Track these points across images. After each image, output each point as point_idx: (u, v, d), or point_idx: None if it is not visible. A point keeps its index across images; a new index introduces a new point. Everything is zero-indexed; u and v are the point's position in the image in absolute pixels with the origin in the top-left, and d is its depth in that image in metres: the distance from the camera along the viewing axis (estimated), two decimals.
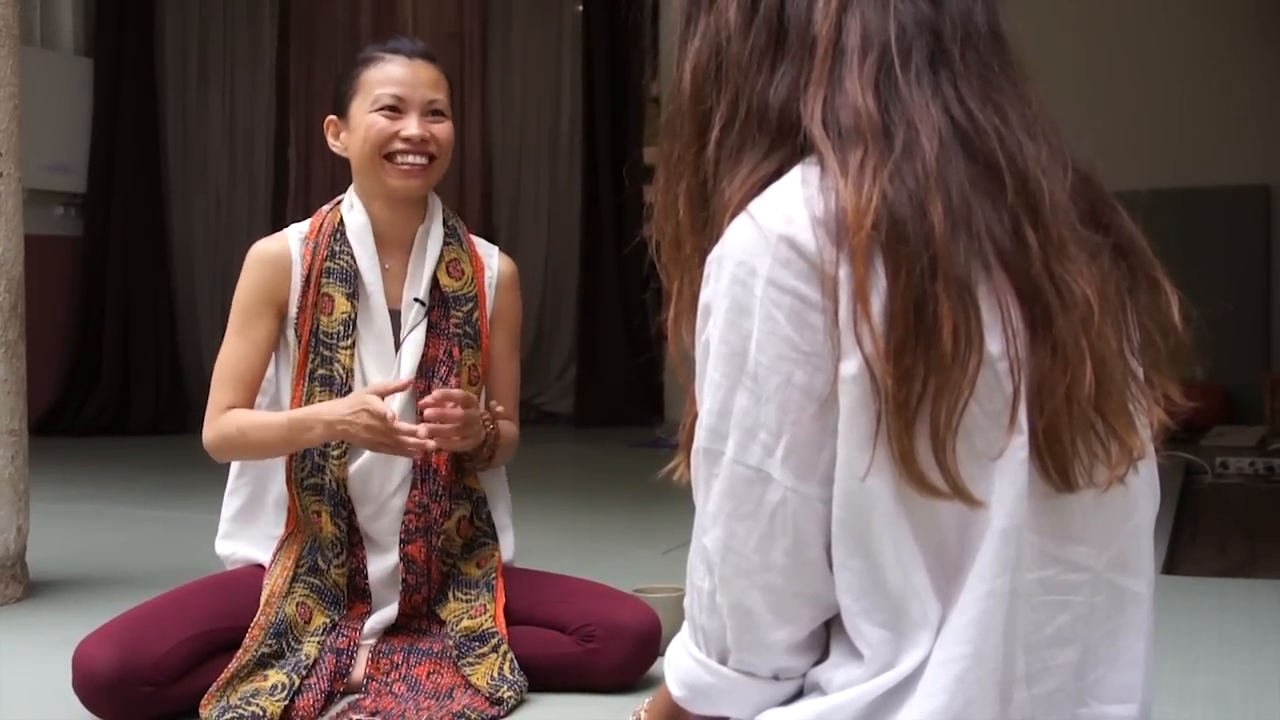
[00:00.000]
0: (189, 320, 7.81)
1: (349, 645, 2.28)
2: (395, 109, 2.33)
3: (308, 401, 2.31)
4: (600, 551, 3.56)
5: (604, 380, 7.21)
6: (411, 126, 2.32)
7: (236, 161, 8.02)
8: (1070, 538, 1.06)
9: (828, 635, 1.10)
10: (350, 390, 2.30)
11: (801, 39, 1.08)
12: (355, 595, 2.34)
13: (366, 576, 2.34)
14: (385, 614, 2.33)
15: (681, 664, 1.12)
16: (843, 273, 0.99)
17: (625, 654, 2.27)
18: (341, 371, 2.30)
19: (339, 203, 2.42)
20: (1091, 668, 1.09)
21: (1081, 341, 1.02)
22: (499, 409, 2.39)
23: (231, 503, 2.43)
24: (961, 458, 1.00)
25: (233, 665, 2.15)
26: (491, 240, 2.57)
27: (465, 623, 2.29)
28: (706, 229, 1.09)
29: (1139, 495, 1.10)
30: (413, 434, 2.20)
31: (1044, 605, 1.05)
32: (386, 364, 2.34)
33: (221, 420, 2.32)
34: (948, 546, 1.02)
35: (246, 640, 2.19)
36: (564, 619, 2.31)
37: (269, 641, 2.20)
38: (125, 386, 7.26)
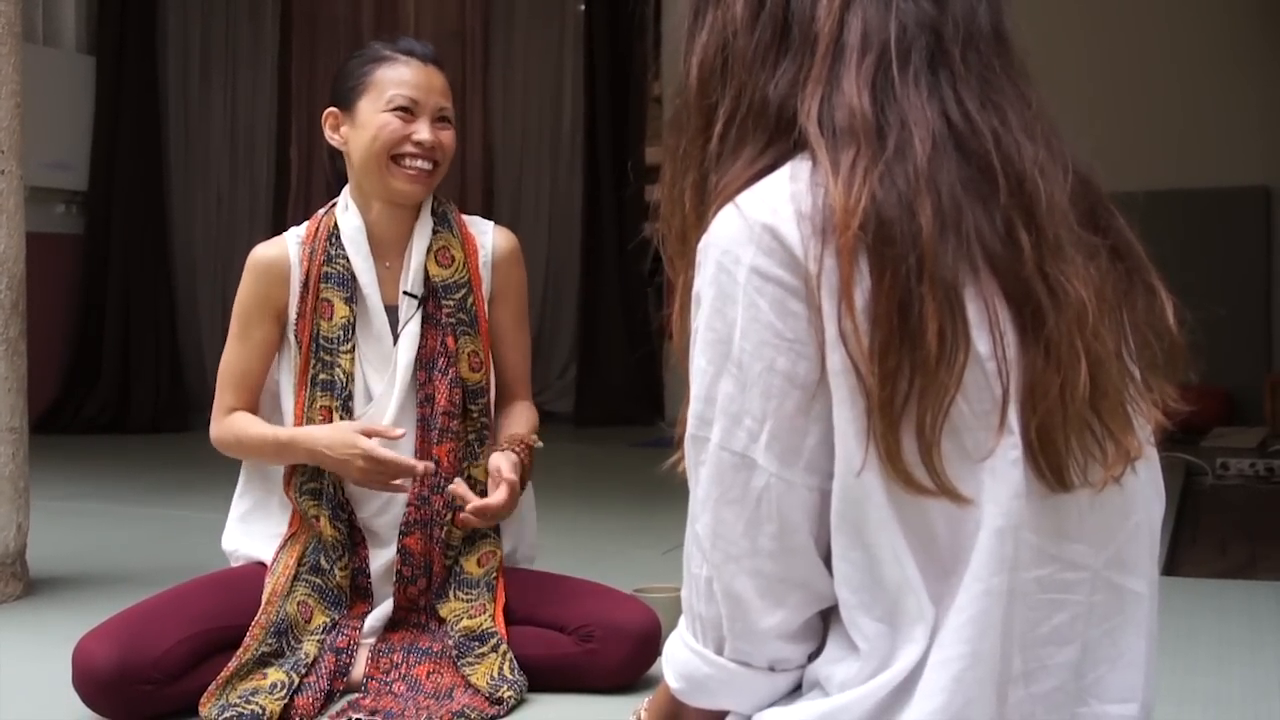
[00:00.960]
0: (189, 319, 7.81)
1: (349, 644, 2.28)
2: (409, 111, 2.33)
3: (310, 406, 2.32)
4: (600, 551, 3.56)
5: (604, 380, 7.21)
6: (423, 131, 2.32)
7: (238, 160, 8.01)
8: (1067, 536, 1.06)
9: (824, 627, 1.10)
10: (350, 395, 2.31)
11: (805, 35, 1.08)
12: (355, 593, 2.34)
13: (369, 575, 2.34)
14: (383, 609, 2.33)
15: (679, 656, 1.12)
16: (826, 268, 1.00)
17: (625, 654, 2.27)
18: (342, 376, 2.31)
19: (334, 205, 2.41)
20: (1091, 667, 1.09)
21: (1076, 342, 1.02)
22: (534, 441, 2.39)
23: (240, 505, 2.44)
24: (949, 457, 1.00)
25: (233, 663, 2.15)
26: None
27: (465, 622, 2.29)
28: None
29: (1137, 495, 1.10)
30: (410, 469, 2.24)
31: (1041, 604, 1.05)
32: (385, 361, 2.35)
33: (225, 423, 2.37)
34: (938, 545, 1.03)
35: (247, 639, 2.19)
36: (564, 619, 2.31)
37: (269, 640, 2.20)
38: (126, 385, 7.25)
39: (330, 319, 2.32)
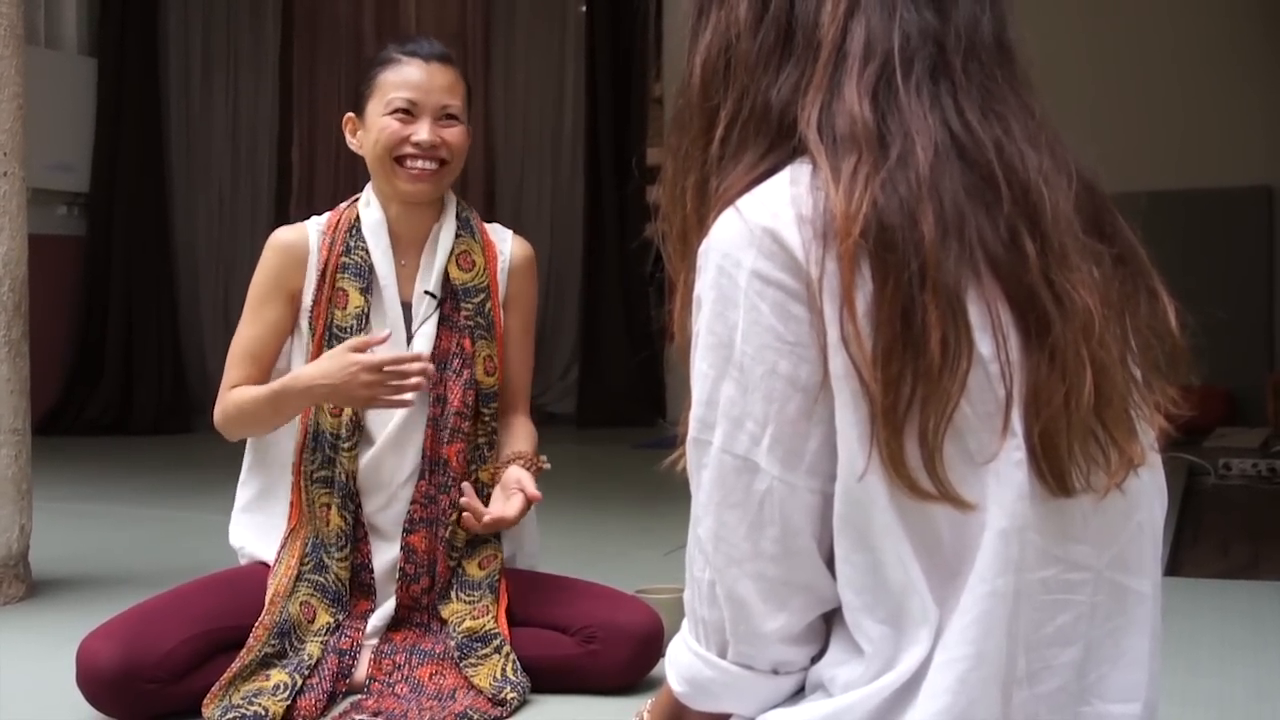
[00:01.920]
0: (191, 320, 7.82)
1: (352, 646, 2.28)
2: (408, 112, 2.34)
3: None
4: (602, 553, 3.56)
5: (606, 381, 7.21)
6: (422, 132, 2.33)
7: (239, 162, 8.02)
8: (1070, 537, 1.06)
9: (827, 630, 1.10)
10: None
11: (808, 41, 1.08)
12: (359, 591, 2.35)
13: (372, 572, 2.35)
14: (386, 608, 2.34)
15: (682, 659, 1.12)
16: (826, 273, 1.00)
17: (627, 655, 2.28)
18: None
19: (356, 199, 2.43)
20: (1094, 667, 1.09)
21: (1082, 350, 1.02)
22: (544, 463, 2.40)
23: (243, 493, 2.44)
24: (952, 460, 1.00)
25: (236, 664, 2.15)
26: None
27: (467, 624, 2.29)
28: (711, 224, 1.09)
29: (1140, 495, 1.10)
30: (415, 357, 2.22)
31: (1045, 605, 1.05)
32: None
33: (227, 399, 2.35)
34: (942, 547, 1.03)
35: (250, 640, 2.19)
36: (566, 620, 2.32)
37: (273, 641, 2.21)
38: (128, 386, 7.26)
39: (345, 308, 2.34)
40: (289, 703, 2.14)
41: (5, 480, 3.06)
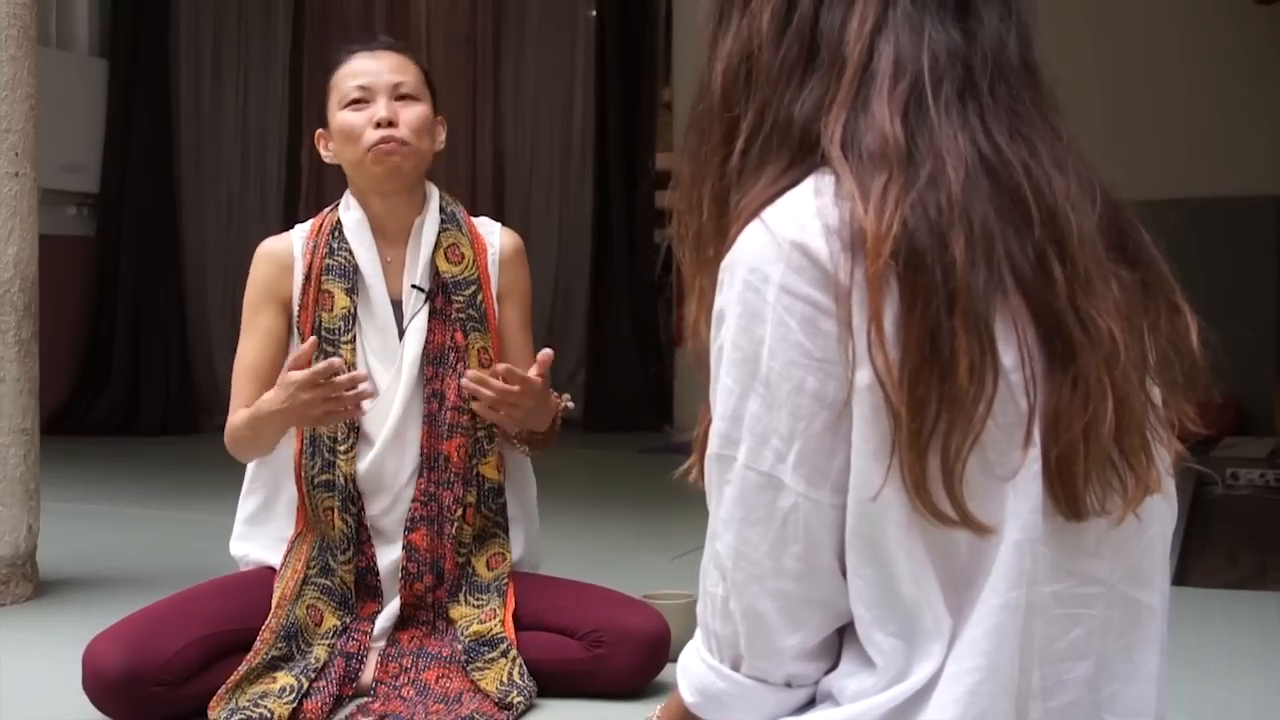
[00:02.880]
0: (200, 321, 7.82)
1: (359, 649, 2.28)
2: (363, 100, 2.34)
3: None
4: (609, 557, 3.56)
5: (614, 385, 7.21)
6: (380, 110, 2.33)
7: (249, 163, 8.03)
8: (1085, 552, 1.06)
9: (840, 643, 1.10)
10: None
11: (833, 57, 1.06)
12: (365, 594, 2.35)
13: (378, 574, 2.35)
14: (391, 609, 2.34)
15: (695, 670, 1.12)
16: (855, 284, 0.99)
17: (634, 660, 2.27)
18: (344, 367, 2.31)
19: (337, 205, 2.44)
20: (1106, 681, 1.08)
21: (1104, 379, 1.01)
22: (567, 401, 2.39)
23: (246, 505, 2.44)
24: (974, 476, 0.99)
25: (242, 667, 2.15)
26: None
27: (475, 627, 2.29)
28: (728, 234, 1.08)
29: (1153, 511, 1.10)
30: (348, 370, 2.19)
31: (1058, 619, 1.05)
32: (390, 355, 2.36)
33: (230, 422, 2.35)
34: (959, 559, 1.02)
35: (257, 643, 2.19)
36: (573, 624, 2.32)
37: (279, 644, 2.21)
38: (135, 387, 7.27)
39: (331, 310, 2.34)
40: (295, 705, 2.14)
41: (13, 480, 3.07)
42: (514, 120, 7.84)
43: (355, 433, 2.33)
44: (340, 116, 2.36)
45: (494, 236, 2.48)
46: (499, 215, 7.69)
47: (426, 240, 2.39)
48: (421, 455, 2.35)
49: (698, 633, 1.13)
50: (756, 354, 1.02)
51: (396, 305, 2.38)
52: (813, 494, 1.03)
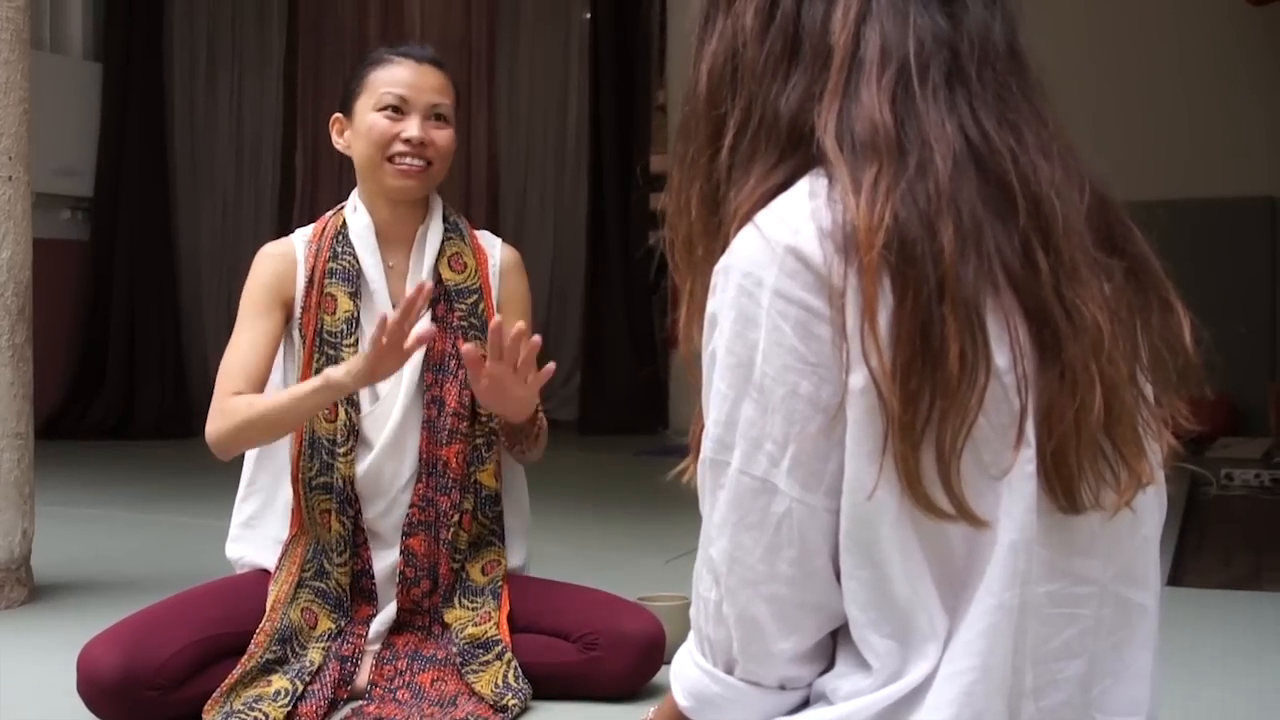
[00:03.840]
0: (194, 325, 7.82)
1: (354, 652, 2.28)
2: (398, 110, 2.34)
3: None
4: (604, 559, 3.56)
5: (609, 388, 7.21)
6: (412, 128, 2.33)
7: (243, 167, 8.03)
8: (1078, 551, 1.06)
9: (834, 645, 1.10)
10: (355, 390, 2.32)
11: (816, 48, 1.07)
12: (360, 597, 2.35)
13: (373, 577, 2.35)
14: (387, 613, 2.34)
15: (688, 674, 1.12)
16: (850, 286, 0.99)
17: (629, 662, 2.27)
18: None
19: (342, 207, 2.44)
20: (1097, 680, 1.08)
21: (1091, 367, 1.01)
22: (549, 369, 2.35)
23: (243, 509, 2.44)
24: (968, 474, 0.99)
25: (237, 671, 2.15)
26: None
27: (470, 630, 2.29)
28: (719, 234, 1.08)
29: (1146, 509, 1.10)
30: (409, 298, 2.13)
31: (1052, 618, 1.05)
32: None
33: (224, 409, 2.27)
34: (955, 559, 1.02)
35: (252, 646, 2.19)
36: (568, 627, 2.32)
37: (274, 647, 2.20)
38: (130, 390, 7.27)
39: (334, 313, 2.34)
40: (290, 709, 2.14)
41: (8, 484, 3.07)
42: (509, 123, 7.85)
43: (354, 436, 2.33)
44: (371, 118, 2.35)
45: (495, 249, 2.49)
46: (494, 217, 7.77)
47: (431, 248, 2.40)
48: (420, 461, 2.35)
49: (691, 636, 1.13)
50: (750, 359, 1.02)
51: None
52: (807, 498, 1.02)
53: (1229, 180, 6.25)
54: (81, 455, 6.16)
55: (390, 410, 2.34)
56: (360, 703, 2.23)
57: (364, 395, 2.35)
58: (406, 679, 2.26)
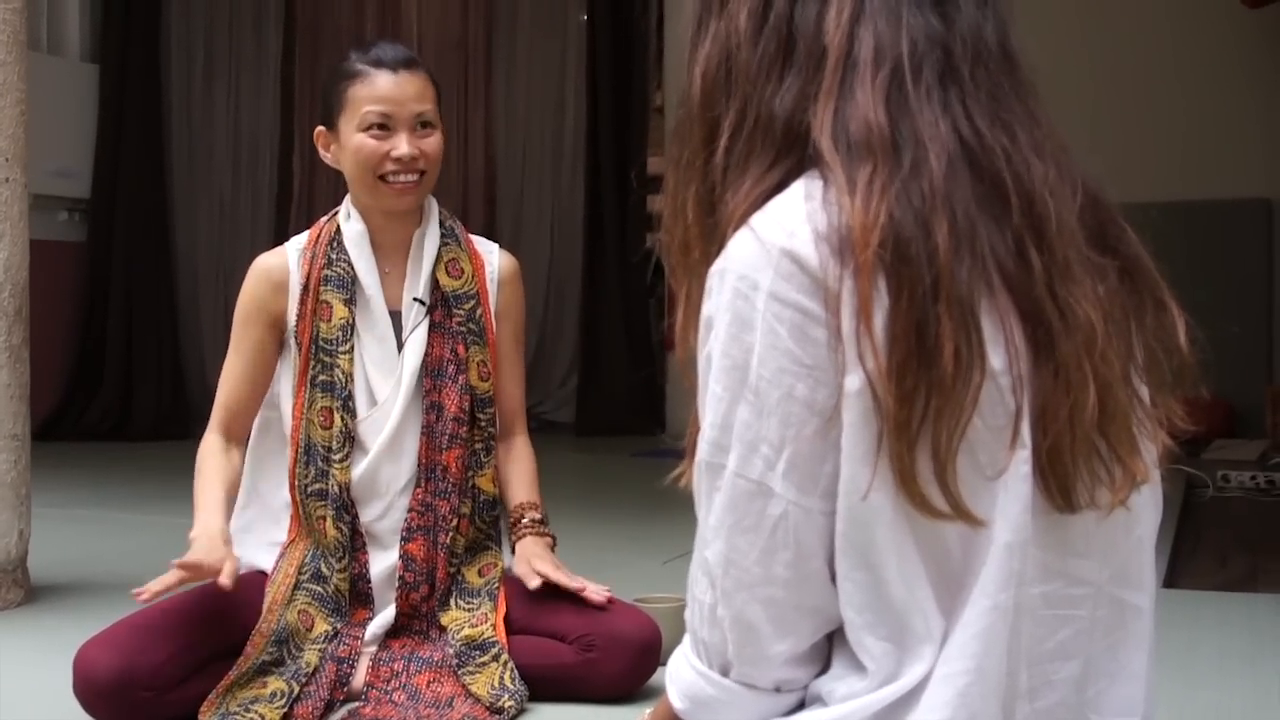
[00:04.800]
0: (191, 326, 7.82)
1: (350, 653, 2.28)
2: (384, 126, 2.33)
3: (310, 407, 2.34)
4: (601, 561, 3.56)
5: (605, 389, 7.21)
6: (401, 146, 2.32)
7: (240, 168, 8.03)
8: (1073, 552, 1.06)
9: (829, 647, 1.10)
10: (350, 396, 2.34)
11: (810, 49, 1.07)
12: (357, 600, 2.35)
13: (369, 580, 2.35)
14: (385, 616, 2.34)
15: (683, 676, 1.12)
16: (845, 288, 0.99)
17: (625, 664, 2.27)
18: (341, 376, 2.32)
19: (336, 213, 2.44)
20: (1092, 681, 1.08)
21: (1085, 365, 1.01)
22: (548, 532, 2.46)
23: (243, 516, 2.44)
24: (964, 475, 1.00)
25: (233, 672, 2.15)
26: None
27: (466, 631, 2.29)
28: (714, 236, 1.08)
29: (1141, 509, 1.10)
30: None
31: (1047, 619, 1.05)
32: (389, 366, 2.36)
33: (203, 446, 2.38)
34: (951, 561, 1.02)
35: (248, 648, 2.19)
36: (564, 629, 2.31)
37: (270, 649, 2.20)
38: (127, 392, 7.26)
39: (329, 320, 2.34)
40: (286, 710, 2.14)
41: (4, 485, 3.06)
42: (506, 125, 7.84)
43: (350, 442, 2.33)
44: (357, 139, 2.33)
45: (492, 256, 2.50)
46: (491, 220, 7.78)
47: (428, 254, 2.40)
48: (419, 466, 2.36)
49: (686, 638, 1.13)
50: (746, 361, 1.02)
51: (394, 316, 2.39)
52: (803, 501, 1.03)
53: (1224, 182, 6.26)
54: (78, 456, 6.15)
55: (388, 415, 2.35)
56: (356, 704, 2.23)
57: (361, 400, 2.35)
58: (403, 680, 2.26)
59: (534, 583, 2.29)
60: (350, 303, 2.36)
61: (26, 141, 3.17)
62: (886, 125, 1.02)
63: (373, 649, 2.31)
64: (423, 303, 2.39)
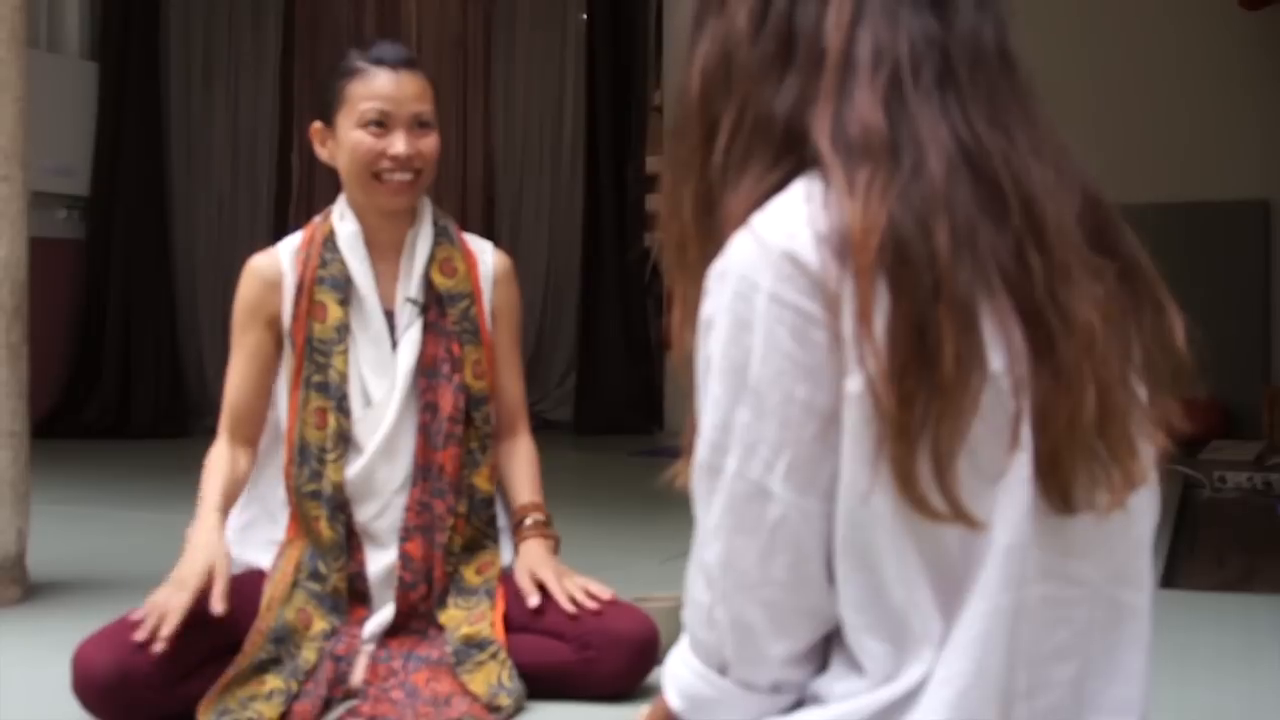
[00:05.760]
0: (190, 324, 7.81)
1: (348, 651, 2.28)
2: (381, 124, 2.34)
3: (304, 407, 2.34)
4: (599, 560, 3.55)
5: (604, 388, 7.21)
6: (398, 144, 2.33)
7: (239, 166, 8.02)
8: (1072, 553, 1.06)
9: (827, 647, 1.10)
10: (345, 396, 2.35)
11: (809, 50, 1.07)
12: (355, 599, 2.35)
13: (367, 579, 2.35)
14: (383, 615, 2.34)
15: (681, 676, 1.12)
16: (846, 290, 0.99)
17: (623, 663, 2.28)
18: (336, 376, 2.33)
19: (329, 213, 2.44)
20: (1090, 681, 1.09)
21: (1084, 366, 1.01)
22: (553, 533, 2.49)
23: (241, 516, 2.44)
24: (964, 477, 0.99)
25: (231, 670, 2.15)
26: None
27: (464, 630, 2.29)
28: (712, 236, 1.08)
29: (1140, 509, 1.10)
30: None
31: (1045, 620, 1.05)
32: (384, 366, 2.36)
33: (212, 454, 2.39)
34: (951, 562, 1.02)
35: (246, 646, 2.19)
36: (562, 627, 2.32)
37: (268, 647, 2.21)
38: (126, 389, 7.26)
39: (324, 320, 2.34)
40: (284, 708, 2.14)
41: (3, 483, 3.07)
42: (504, 123, 7.85)
43: (344, 442, 2.33)
44: (354, 135, 2.33)
45: (486, 255, 2.50)
46: (489, 219, 7.78)
47: (421, 253, 2.40)
48: (415, 465, 2.36)
49: (683, 638, 1.13)
50: (745, 363, 1.02)
51: (389, 316, 2.39)
52: (802, 503, 1.02)
53: (1223, 184, 6.27)
54: (77, 454, 6.15)
55: (384, 415, 2.35)
56: (355, 702, 2.23)
57: (356, 401, 2.35)
58: (401, 678, 2.26)
59: (533, 600, 2.30)
60: (345, 303, 2.36)
61: (25, 139, 3.17)
62: (886, 128, 1.02)
63: (371, 647, 2.31)
64: (416, 303, 2.39)
